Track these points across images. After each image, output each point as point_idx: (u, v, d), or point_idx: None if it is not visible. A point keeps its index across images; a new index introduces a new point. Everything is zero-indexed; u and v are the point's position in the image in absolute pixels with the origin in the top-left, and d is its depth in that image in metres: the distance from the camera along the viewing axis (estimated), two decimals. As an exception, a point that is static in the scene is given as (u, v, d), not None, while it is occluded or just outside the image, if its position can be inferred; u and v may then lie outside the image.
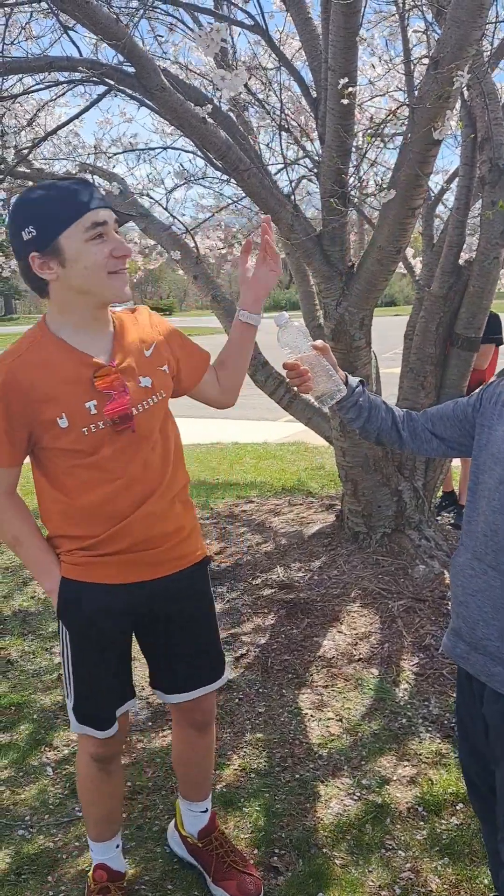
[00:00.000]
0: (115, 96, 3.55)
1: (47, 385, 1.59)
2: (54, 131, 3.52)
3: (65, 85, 3.32)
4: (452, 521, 4.58)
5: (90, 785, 1.87)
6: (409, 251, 4.58)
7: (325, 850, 2.09)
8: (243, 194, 3.63)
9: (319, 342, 1.64)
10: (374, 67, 4.55)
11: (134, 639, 1.86)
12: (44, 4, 3.16)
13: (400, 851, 2.08)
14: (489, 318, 3.97)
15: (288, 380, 1.63)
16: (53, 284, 1.60)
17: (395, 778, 2.37)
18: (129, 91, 3.12)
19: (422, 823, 2.18)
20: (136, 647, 1.88)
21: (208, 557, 1.90)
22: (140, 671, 2.97)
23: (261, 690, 2.90)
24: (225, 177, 4.36)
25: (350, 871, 2.01)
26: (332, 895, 1.94)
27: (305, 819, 2.21)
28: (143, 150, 4.41)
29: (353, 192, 3.48)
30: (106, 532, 1.66)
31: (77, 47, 3.08)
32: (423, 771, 2.39)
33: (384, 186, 3.08)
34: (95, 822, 1.91)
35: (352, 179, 3.34)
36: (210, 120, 3.09)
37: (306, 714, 2.73)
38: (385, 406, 1.70)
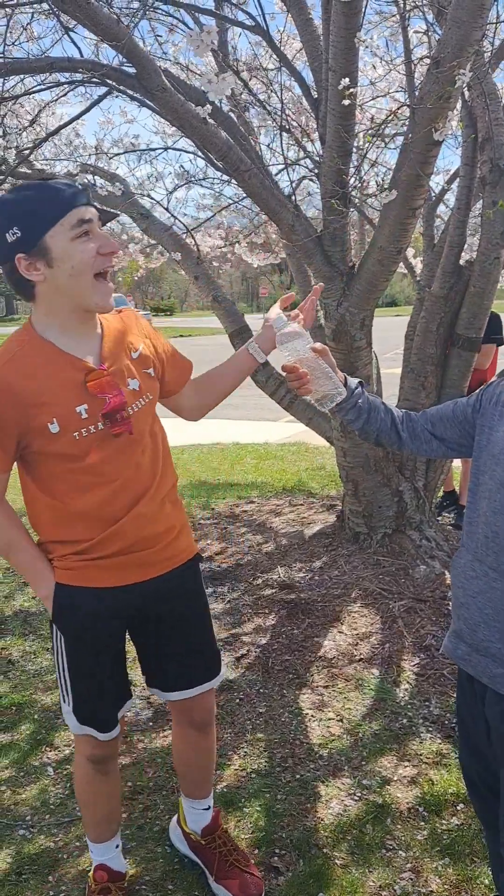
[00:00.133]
0: (116, 97, 3.55)
1: (37, 390, 1.56)
2: (55, 132, 3.53)
3: (66, 86, 3.32)
4: (453, 522, 4.58)
5: (88, 787, 1.87)
6: (410, 251, 4.58)
7: (325, 851, 2.09)
8: (244, 195, 3.63)
9: (318, 344, 1.63)
10: (374, 68, 4.55)
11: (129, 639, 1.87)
12: (45, 5, 3.16)
13: (400, 852, 2.08)
14: (490, 317, 3.97)
15: (288, 382, 1.62)
16: (40, 286, 1.56)
17: (395, 778, 2.37)
18: (130, 92, 3.13)
19: (422, 824, 2.18)
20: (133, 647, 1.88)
21: (199, 555, 1.89)
22: (139, 671, 2.97)
23: (261, 690, 2.90)
24: (226, 177, 4.36)
25: (350, 871, 2.01)
26: (333, 895, 1.94)
27: (306, 819, 2.21)
28: (144, 150, 4.41)
29: (353, 193, 3.48)
30: (99, 535, 1.65)
31: (78, 48, 3.09)
32: (423, 771, 2.39)
33: (385, 187, 3.08)
34: (94, 823, 1.91)
35: (352, 180, 3.35)
36: (211, 120, 3.09)
37: (307, 714, 2.73)
38: (384, 407, 1.69)
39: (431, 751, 2.49)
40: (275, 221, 3.48)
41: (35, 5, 3.38)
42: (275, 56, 3.86)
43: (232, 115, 3.85)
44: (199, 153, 4.04)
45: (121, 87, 3.11)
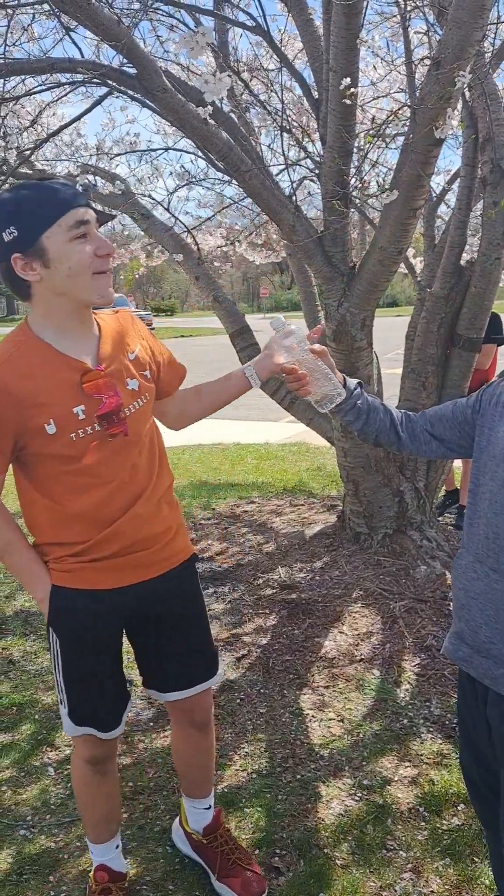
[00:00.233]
0: (117, 97, 3.56)
1: (34, 391, 1.55)
2: (56, 132, 3.53)
3: (66, 86, 3.32)
4: (454, 522, 4.58)
5: (86, 788, 1.87)
6: (410, 251, 4.58)
7: (326, 851, 2.09)
8: (245, 195, 3.63)
9: (317, 346, 1.62)
10: (375, 69, 4.56)
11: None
12: (46, 6, 3.16)
13: (401, 852, 2.08)
14: (490, 317, 3.97)
15: (287, 384, 1.62)
16: (36, 286, 1.56)
17: (396, 778, 2.37)
18: (131, 92, 3.13)
19: (423, 824, 2.18)
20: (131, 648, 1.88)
21: (195, 555, 1.89)
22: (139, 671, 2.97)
23: (262, 691, 2.90)
24: (226, 178, 4.37)
25: (351, 871, 2.01)
26: (334, 895, 1.94)
27: (307, 819, 2.21)
28: (145, 151, 4.42)
29: (354, 193, 3.48)
30: (96, 537, 1.64)
31: (79, 48, 3.08)
32: (424, 771, 2.39)
33: (386, 187, 3.08)
34: (94, 823, 1.91)
35: (353, 180, 3.35)
36: (211, 121, 3.09)
37: (307, 714, 2.73)
38: (384, 408, 1.69)
39: (432, 751, 2.49)
40: (275, 222, 3.48)
41: (36, 6, 3.38)
42: (275, 56, 3.87)
43: (233, 115, 3.85)
44: (200, 153, 4.05)
45: (121, 88, 3.11)
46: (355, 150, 3.34)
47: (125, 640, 1.86)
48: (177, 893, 1.98)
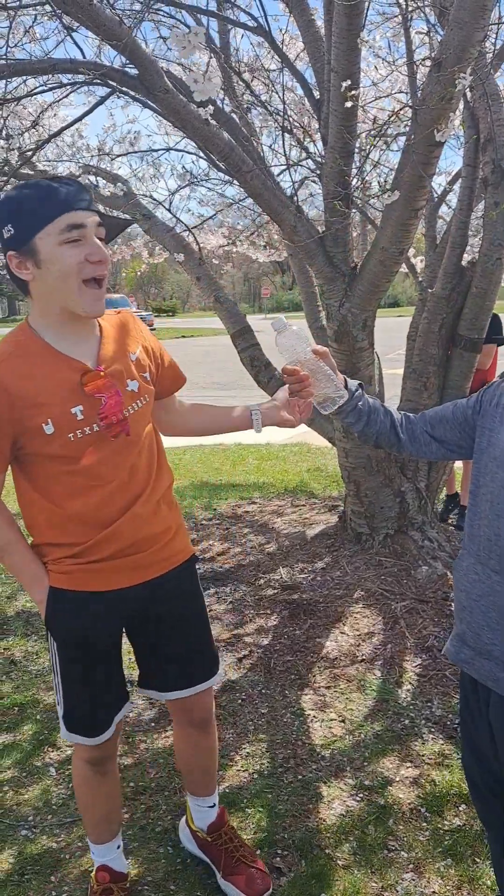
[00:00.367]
0: (119, 98, 3.56)
1: (32, 391, 1.55)
2: (58, 133, 3.53)
3: (68, 87, 3.33)
4: (455, 523, 4.57)
5: (86, 788, 1.87)
6: (411, 250, 4.58)
7: (327, 851, 2.09)
8: (246, 195, 3.63)
9: (319, 347, 1.61)
10: (377, 69, 4.56)
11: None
12: (47, 7, 3.17)
13: (402, 852, 2.08)
14: (490, 318, 3.97)
15: (288, 386, 1.60)
16: (33, 285, 1.56)
17: (397, 779, 2.37)
18: (132, 93, 3.13)
19: (424, 824, 2.18)
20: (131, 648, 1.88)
21: (195, 556, 1.89)
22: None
23: (263, 691, 2.90)
24: (228, 178, 4.37)
25: (352, 871, 2.01)
26: (335, 896, 1.94)
27: (308, 820, 2.21)
28: (146, 151, 4.42)
29: (355, 194, 3.48)
30: (94, 538, 1.64)
31: (80, 49, 3.09)
32: (425, 772, 2.39)
33: (387, 188, 3.08)
34: (94, 824, 1.91)
35: (355, 181, 3.35)
36: (213, 122, 3.10)
37: (309, 715, 2.73)
38: (384, 409, 1.68)
39: (433, 751, 2.49)
40: (277, 222, 3.48)
41: (38, 7, 3.38)
42: (277, 57, 3.87)
43: (234, 116, 3.86)
44: (202, 154, 4.05)
45: (123, 89, 3.11)
46: (357, 150, 3.35)
47: (126, 640, 1.86)
48: (178, 894, 1.98)
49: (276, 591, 3.71)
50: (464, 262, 3.75)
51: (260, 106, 4.37)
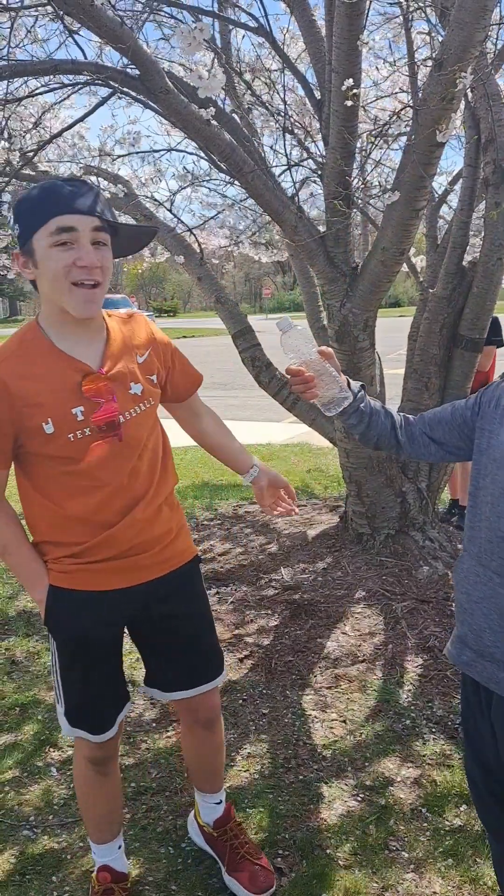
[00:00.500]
0: (120, 98, 3.56)
1: (34, 390, 1.55)
2: (59, 134, 3.54)
3: (69, 87, 3.33)
4: (455, 523, 4.57)
5: (88, 788, 1.87)
6: (411, 250, 4.58)
7: (328, 852, 2.09)
8: (247, 196, 3.63)
9: (324, 347, 1.59)
10: (378, 69, 4.56)
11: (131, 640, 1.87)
12: (49, 8, 3.17)
13: (403, 852, 2.08)
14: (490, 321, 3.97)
15: (292, 386, 1.58)
16: (38, 284, 1.58)
17: (398, 779, 2.37)
18: (134, 94, 3.13)
19: (425, 825, 2.18)
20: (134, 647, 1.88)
21: (198, 557, 1.89)
22: (140, 672, 2.97)
23: (265, 691, 2.90)
24: (229, 178, 4.37)
25: (354, 872, 2.01)
26: (336, 896, 1.94)
27: (309, 820, 2.21)
28: (148, 151, 4.42)
29: (356, 194, 3.48)
30: (93, 540, 1.64)
31: (82, 50, 3.09)
32: (426, 772, 2.39)
33: (388, 188, 3.08)
34: (96, 824, 1.91)
35: (355, 181, 3.35)
36: (214, 122, 3.10)
37: (310, 715, 2.73)
38: (384, 411, 1.67)
39: (434, 752, 2.49)
40: (278, 222, 3.49)
41: (39, 8, 3.39)
42: (278, 57, 3.87)
43: (235, 116, 3.86)
44: (203, 154, 4.05)
45: (124, 89, 3.12)
46: (358, 150, 3.35)
47: (127, 640, 1.86)
48: (179, 894, 1.98)
49: (277, 591, 3.71)
50: (465, 263, 3.76)
51: (261, 106, 4.37)
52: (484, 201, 3.68)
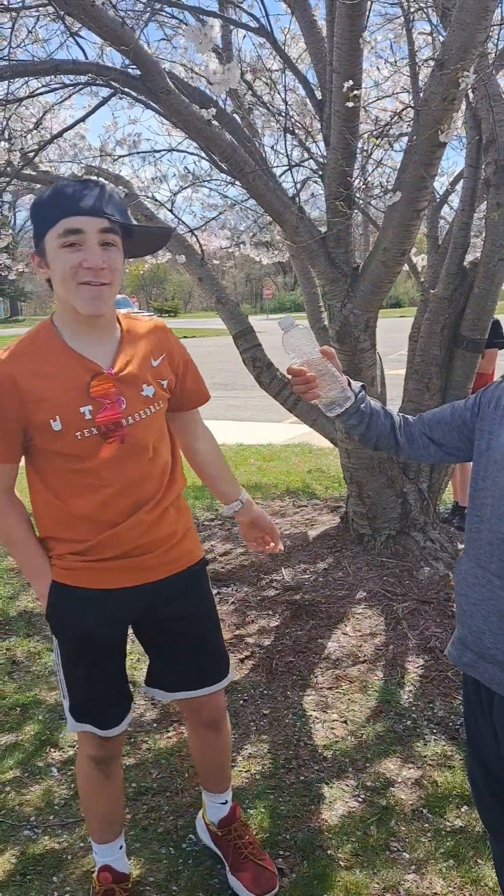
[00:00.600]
0: (121, 98, 3.57)
1: (44, 387, 1.57)
2: (60, 134, 3.54)
3: (70, 88, 3.33)
4: (456, 524, 4.57)
5: (91, 787, 1.88)
6: (413, 250, 4.58)
7: (329, 852, 2.09)
8: (248, 196, 3.63)
9: (326, 347, 1.58)
10: (379, 70, 4.56)
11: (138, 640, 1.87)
12: (50, 8, 3.17)
13: (405, 853, 2.07)
14: (491, 323, 3.97)
15: (293, 386, 1.57)
16: (52, 282, 1.60)
17: (399, 780, 2.37)
18: (134, 94, 3.13)
19: (426, 825, 2.18)
20: (139, 649, 1.88)
21: (205, 559, 1.89)
22: (140, 673, 2.97)
23: (265, 692, 2.90)
24: (230, 179, 4.37)
25: (355, 872, 2.01)
26: (337, 897, 1.94)
27: (310, 821, 2.21)
28: (148, 152, 4.42)
29: (357, 194, 3.48)
30: (97, 538, 1.65)
31: (83, 50, 3.10)
32: (427, 773, 2.39)
33: (389, 188, 3.08)
34: (98, 824, 1.91)
35: (357, 181, 3.35)
36: (215, 122, 3.10)
37: (311, 716, 2.73)
38: (384, 412, 1.66)
39: (435, 752, 2.49)
40: (278, 223, 3.49)
41: (40, 8, 3.39)
42: (279, 57, 3.87)
43: (236, 116, 3.86)
44: (204, 155, 4.05)
45: (125, 90, 3.12)
46: (359, 150, 3.35)
47: (129, 641, 1.87)
48: (180, 894, 1.98)
49: (278, 591, 3.70)
50: (466, 263, 3.75)
51: (262, 106, 4.37)
52: (485, 202, 3.68)
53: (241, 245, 5.73)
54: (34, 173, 4.31)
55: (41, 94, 3.46)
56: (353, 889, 1.95)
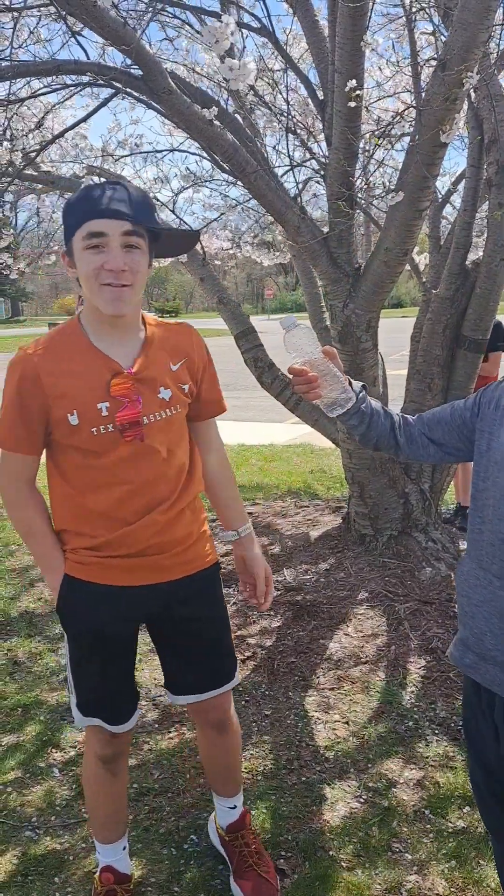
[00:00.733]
0: (123, 99, 3.57)
1: (65, 383, 1.61)
2: (61, 134, 3.54)
3: (72, 88, 3.33)
4: (458, 525, 4.57)
5: (97, 787, 1.88)
6: (414, 249, 4.57)
7: (331, 853, 2.08)
8: (250, 196, 3.63)
9: (328, 347, 1.57)
10: (381, 70, 4.56)
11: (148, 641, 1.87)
12: (52, 9, 3.17)
13: (406, 854, 2.07)
14: (493, 326, 3.96)
15: (294, 386, 1.56)
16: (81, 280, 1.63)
17: (401, 781, 2.37)
18: (136, 94, 3.13)
19: (428, 826, 2.17)
20: (144, 650, 1.88)
21: (218, 564, 1.89)
22: (147, 673, 2.97)
23: (267, 693, 2.90)
24: (232, 179, 4.37)
25: (356, 873, 2.01)
26: (339, 898, 1.94)
27: (312, 822, 2.21)
28: (150, 152, 4.42)
29: (359, 194, 3.48)
30: (111, 535, 1.67)
31: (84, 50, 3.10)
32: (429, 774, 2.39)
33: (391, 188, 3.08)
34: (102, 823, 1.92)
35: (359, 181, 3.35)
36: (216, 122, 3.10)
37: (313, 717, 2.72)
38: (384, 412, 1.65)
39: (437, 753, 2.48)
40: (280, 223, 3.48)
41: (42, 8, 3.39)
42: (281, 57, 3.87)
43: (238, 116, 3.86)
44: (205, 155, 4.05)
45: (127, 90, 3.12)
46: (360, 150, 3.34)
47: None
48: (181, 895, 1.98)
49: (279, 592, 3.70)
50: (468, 263, 3.75)
51: (264, 106, 4.37)
52: (487, 202, 3.68)
53: (243, 245, 5.73)
54: (36, 173, 4.31)
55: (43, 94, 3.46)
56: (354, 890, 1.95)
